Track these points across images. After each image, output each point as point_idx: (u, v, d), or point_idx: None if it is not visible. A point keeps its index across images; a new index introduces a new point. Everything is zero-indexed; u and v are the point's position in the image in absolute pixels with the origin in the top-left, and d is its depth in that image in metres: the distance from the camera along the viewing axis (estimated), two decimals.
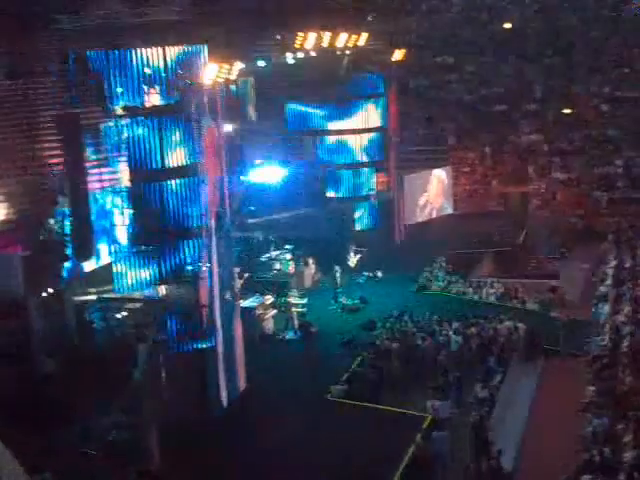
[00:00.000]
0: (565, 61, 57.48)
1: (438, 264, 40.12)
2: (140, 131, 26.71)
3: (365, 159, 44.51)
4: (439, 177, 51.12)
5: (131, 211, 26.87)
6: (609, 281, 37.22)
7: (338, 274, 37.65)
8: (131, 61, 26.14)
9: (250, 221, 38.07)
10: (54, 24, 28.34)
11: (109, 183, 28.41)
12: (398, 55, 44.39)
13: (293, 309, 34.09)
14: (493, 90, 57.50)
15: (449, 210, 51.45)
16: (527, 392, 28.65)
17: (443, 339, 30.38)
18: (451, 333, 30.49)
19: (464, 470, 22.52)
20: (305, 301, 35.12)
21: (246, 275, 35.17)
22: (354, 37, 40.76)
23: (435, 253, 41.04)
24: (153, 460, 22.21)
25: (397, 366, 29.08)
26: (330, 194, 43.80)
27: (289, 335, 32.94)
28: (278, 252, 39.11)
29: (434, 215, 50.46)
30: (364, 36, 41.38)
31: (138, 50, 26.11)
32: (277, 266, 38.27)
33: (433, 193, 50.56)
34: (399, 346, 29.98)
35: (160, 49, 26.26)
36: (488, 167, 53.84)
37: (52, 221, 27.42)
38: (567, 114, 55.13)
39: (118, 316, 27.00)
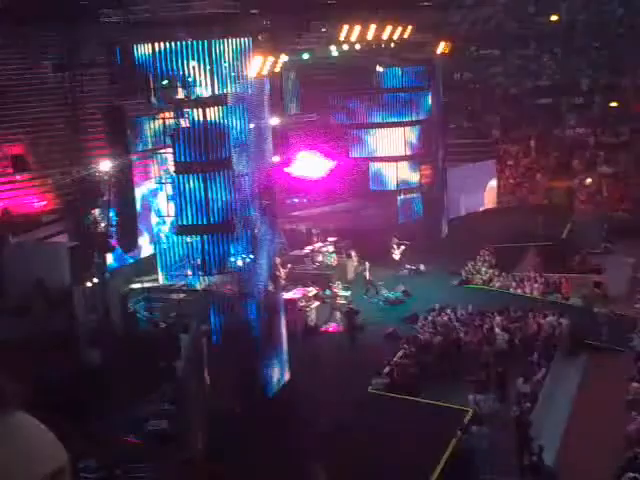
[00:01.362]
0: (612, 53, 56.85)
1: (481, 258, 39.92)
2: (185, 123, 26.88)
3: (409, 152, 44.40)
4: (483, 170, 50.82)
5: (175, 202, 27.07)
6: None
7: (367, 270, 37.63)
8: (177, 54, 26.31)
9: (294, 213, 38.16)
10: (101, 17, 28.55)
11: (154, 174, 28.65)
12: (443, 48, 44.18)
13: (336, 301, 34.14)
14: (539, 83, 57.06)
15: (493, 204, 51.15)
16: (570, 388, 28.40)
17: (486, 333, 30.28)
18: (495, 328, 30.37)
19: (506, 465, 22.43)
20: (348, 293, 35.17)
21: (289, 267, 35.31)
22: (399, 29, 40.60)
23: (478, 247, 40.82)
24: (197, 449, 22.37)
25: (438, 359, 29.04)
26: (374, 186, 43.75)
27: (332, 327, 33.00)
28: (321, 244, 39.17)
29: (478, 209, 50.19)
30: (409, 28, 41.21)
31: (184, 43, 26.26)
32: (320, 258, 38.34)
33: (477, 186, 50.28)
34: (441, 339, 29.95)
35: (206, 42, 26.39)
36: (533, 160, 53.47)
37: (97, 212, 27.68)
38: (614, 107, 54.55)
39: (162, 306, 27.22)
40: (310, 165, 40.72)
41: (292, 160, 39.93)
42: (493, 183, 51.33)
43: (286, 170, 38.56)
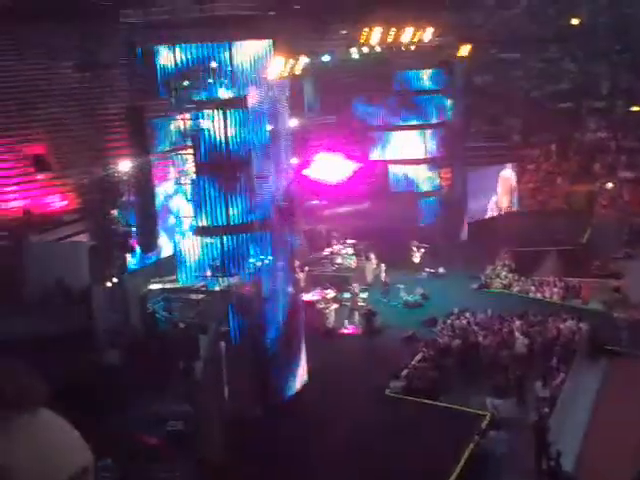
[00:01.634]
0: (633, 57, 56.53)
1: (501, 262, 39.81)
2: (206, 124, 26.91)
3: (429, 155, 44.35)
4: (503, 174, 50.68)
5: (195, 203, 27.10)
6: None
7: (382, 272, 37.55)
8: (198, 55, 26.35)
9: (313, 215, 38.15)
10: (122, 18, 28.62)
11: (173, 175, 28.69)
12: (464, 51, 44.10)
13: (354, 303, 34.12)
14: (559, 87, 56.83)
15: (513, 207, 51.00)
16: (589, 393, 28.28)
17: (505, 337, 30.17)
18: (514, 332, 30.27)
19: (523, 470, 22.35)
20: (366, 295, 35.14)
21: (308, 269, 35.30)
22: (419, 32, 40.55)
23: (498, 251, 40.71)
24: (214, 449, 22.38)
25: (457, 363, 28.96)
26: (394, 189, 43.72)
27: (350, 329, 32.98)
28: (340, 246, 39.16)
29: (498, 212, 50.05)
30: (429, 31, 41.14)
31: (205, 44, 26.30)
32: (339, 260, 38.32)
33: (497, 190, 50.14)
34: (460, 343, 29.87)
35: (226, 43, 26.42)
36: (553, 165, 53.26)
37: (117, 212, 27.72)
38: (635, 111, 54.26)
39: (181, 307, 27.23)
40: (330, 167, 40.74)
41: (312, 162, 39.95)
42: (513, 187, 51.12)
43: (306, 172, 38.58)
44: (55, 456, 3.43)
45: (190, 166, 27.38)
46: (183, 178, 27.80)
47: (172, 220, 30.37)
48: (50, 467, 3.42)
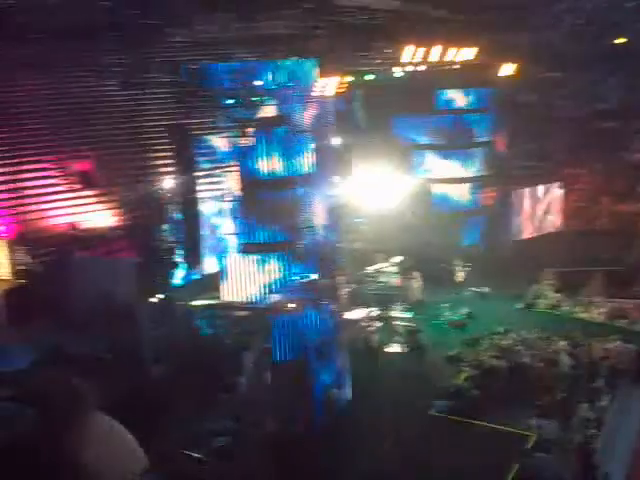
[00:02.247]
0: None
1: (546, 281, 39.48)
2: (250, 142, 27.04)
3: (472, 173, 44.19)
4: (547, 193, 50.33)
5: (240, 221, 27.21)
6: None
7: (419, 290, 37.51)
8: (242, 73, 26.49)
9: (358, 232, 38.15)
10: (167, 37, 28.90)
11: (219, 192, 28.83)
12: (507, 69, 43.96)
13: (398, 322, 33.99)
14: (604, 106, 56.38)
15: (557, 227, 50.58)
16: (636, 415, 27.88)
17: (550, 358, 29.89)
18: (560, 352, 29.97)
19: None
20: (410, 315, 35.00)
21: (352, 287, 35.24)
22: (463, 51, 40.49)
23: (543, 270, 40.38)
24: (258, 466, 22.35)
25: (502, 383, 28.71)
26: (437, 207, 43.61)
27: (394, 348, 32.84)
28: (384, 264, 39.07)
29: (542, 232, 49.66)
30: (473, 50, 41.07)
31: (249, 62, 26.47)
32: (383, 278, 38.23)
33: (541, 209, 49.79)
34: (504, 363, 29.62)
35: (271, 62, 26.55)
36: (598, 184, 52.77)
37: (163, 229, 27.93)
38: None
39: (225, 323, 27.33)
40: (374, 185, 40.67)
41: (356, 180, 39.94)
42: (558, 206, 50.73)
43: (350, 189, 38.58)
44: (123, 455, 3.43)
45: (234, 184, 27.50)
46: (228, 195, 27.93)
47: (217, 237, 30.50)
48: (119, 465, 3.42)
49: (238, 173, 27.24)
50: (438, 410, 27.21)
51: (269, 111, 27.05)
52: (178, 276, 28.47)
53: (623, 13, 61.17)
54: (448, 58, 40.15)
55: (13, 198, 30.23)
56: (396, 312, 34.98)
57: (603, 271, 41.70)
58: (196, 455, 22.26)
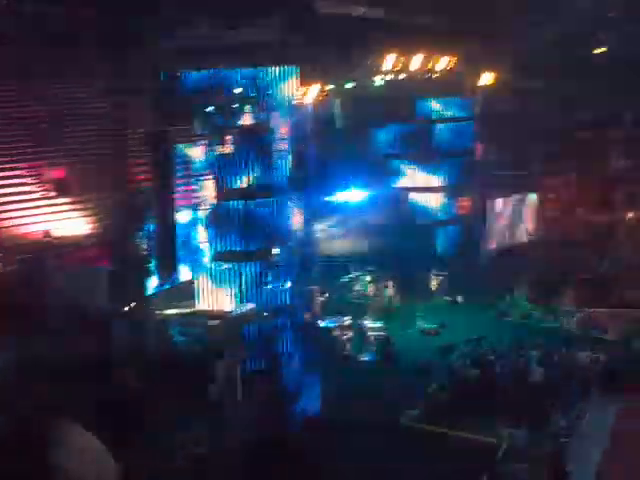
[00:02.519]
0: None
1: (519, 291, 39.75)
2: (229, 150, 27.12)
3: (449, 183, 44.39)
4: (523, 203, 50.61)
5: (215, 229, 27.27)
6: None
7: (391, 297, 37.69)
8: (223, 81, 26.57)
9: (332, 241, 38.23)
10: (148, 43, 28.92)
11: (195, 201, 28.89)
12: (486, 78, 44.23)
13: (371, 331, 34.12)
14: (582, 116, 56.77)
15: (532, 237, 50.84)
16: (607, 424, 28.11)
17: (522, 367, 30.11)
18: (532, 362, 30.21)
19: None
20: (384, 323, 35.15)
21: (326, 295, 35.36)
22: (443, 60, 40.70)
23: (516, 280, 40.65)
24: (228, 474, 22.43)
25: (474, 392, 28.90)
26: (413, 217, 43.77)
27: (366, 356, 32.97)
28: (358, 273, 39.21)
29: (517, 241, 49.92)
30: (453, 59, 41.29)
31: (230, 70, 26.54)
32: (357, 287, 38.37)
33: (516, 219, 50.06)
34: (476, 372, 29.82)
35: (251, 70, 26.64)
36: (574, 194, 53.13)
37: (137, 237, 27.94)
38: None
39: (198, 332, 27.38)
40: (350, 194, 40.84)
41: (332, 188, 40.06)
42: (533, 216, 51.01)
43: (326, 198, 38.70)
44: (102, 459, 3.58)
45: (211, 192, 27.57)
46: (204, 204, 28.00)
47: (192, 245, 30.55)
48: (101, 467, 3.57)
49: (214, 181, 27.30)
50: (409, 419, 27.33)
51: (247, 119, 27.14)
52: (152, 285, 28.48)
53: (603, 23, 61.71)
54: (428, 67, 40.32)
55: None
56: (369, 321, 35.13)
57: (576, 280, 42.06)
58: (169, 464, 22.30)
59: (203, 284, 27.61)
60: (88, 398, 21.75)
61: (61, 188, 31.74)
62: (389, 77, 38.80)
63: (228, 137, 27.19)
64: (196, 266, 28.04)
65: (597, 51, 59.69)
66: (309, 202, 28.98)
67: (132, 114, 32.03)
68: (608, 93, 56.26)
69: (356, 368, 32.18)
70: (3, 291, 25.63)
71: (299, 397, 26.72)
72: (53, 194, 31.81)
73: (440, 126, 44.01)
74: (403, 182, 44.12)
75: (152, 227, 27.66)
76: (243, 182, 27.06)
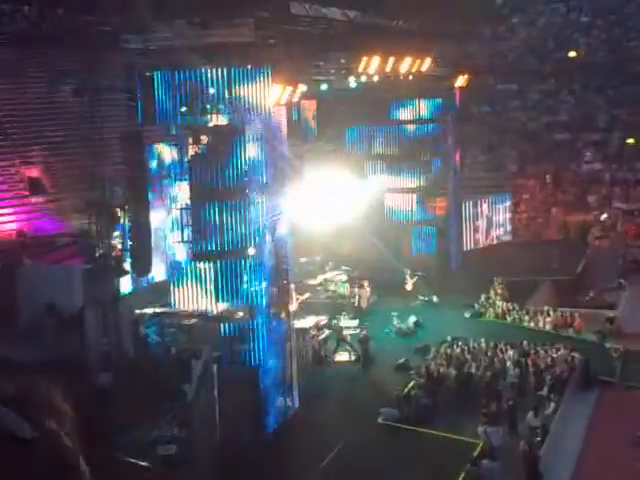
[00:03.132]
0: (630, 91, 56.83)
1: (495, 291, 39.83)
2: (202, 150, 26.98)
3: (424, 184, 44.40)
4: (498, 204, 50.77)
5: (190, 228, 27.13)
6: None
7: (363, 298, 37.68)
8: (195, 81, 26.44)
9: (308, 242, 38.16)
10: (121, 43, 28.76)
11: (169, 200, 28.76)
12: (461, 81, 44.34)
13: (347, 331, 34.10)
14: (556, 118, 57.13)
15: (508, 237, 51.04)
16: (581, 422, 28.22)
17: (497, 366, 30.19)
18: (507, 361, 30.29)
19: None
20: (360, 323, 35.14)
21: (301, 295, 35.29)
22: (417, 62, 40.74)
23: (492, 280, 40.74)
24: (202, 475, 22.33)
25: (449, 391, 28.96)
26: (389, 217, 43.85)
27: (342, 357, 32.93)
28: (334, 273, 39.17)
29: (492, 242, 50.08)
30: (427, 61, 41.34)
31: (203, 71, 26.42)
32: (332, 287, 38.34)
33: (492, 220, 50.22)
34: (452, 371, 29.87)
35: (225, 70, 26.51)
36: (548, 195, 53.42)
37: (112, 236, 27.78)
38: (630, 144, 54.54)
39: (173, 332, 27.25)
40: (325, 195, 40.77)
41: (308, 189, 40.00)
42: (508, 217, 51.20)
43: (302, 198, 38.62)
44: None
45: (185, 191, 27.44)
46: (179, 203, 27.86)
47: (167, 244, 30.43)
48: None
49: (189, 181, 27.16)
50: (386, 418, 27.31)
51: (221, 120, 27.02)
52: (127, 283, 28.32)
53: (576, 27, 62.18)
54: (403, 69, 40.34)
55: None
56: (345, 320, 35.10)
57: (551, 281, 42.24)
58: (142, 463, 22.17)
59: (179, 283, 27.44)
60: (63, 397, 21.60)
61: (35, 187, 31.63)
62: (363, 79, 38.78)
63: (202, 137, 27.03)
64: (172, 265, 27.88)
65: (570, 54, 60.21)
66: (284, 202, 28.85)
67: (106, 113, 31.90)
68: (582, 96, 56.72)
69: (333, 367, 32.13)
70: None
71: (276, 396, 26.64)
72: (26, 193, 31.71)
73: (415, 127, 43.98)
74: (380, 183, 44.07)
75: (127, 226, 27.49)
76: (217, 182, 26.91)
